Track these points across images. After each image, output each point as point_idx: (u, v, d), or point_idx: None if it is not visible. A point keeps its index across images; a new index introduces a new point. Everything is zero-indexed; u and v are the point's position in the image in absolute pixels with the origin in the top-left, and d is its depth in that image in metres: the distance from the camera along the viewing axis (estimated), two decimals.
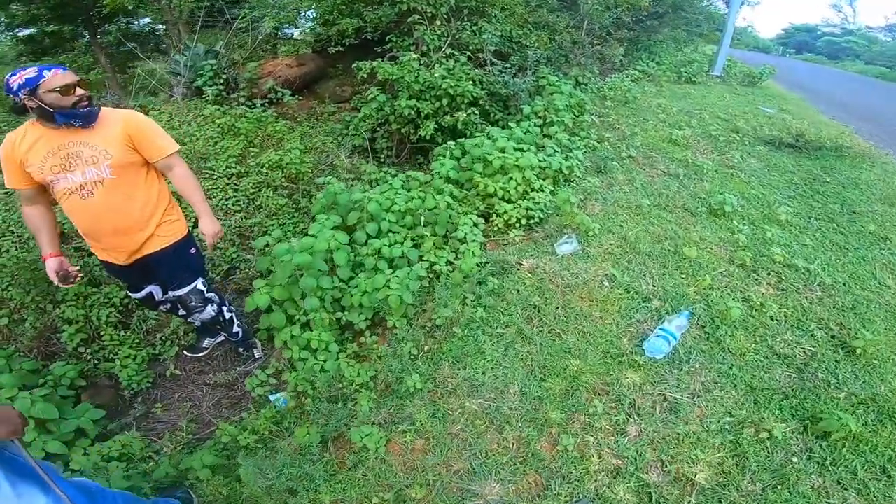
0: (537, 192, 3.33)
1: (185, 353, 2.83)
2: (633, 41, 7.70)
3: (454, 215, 3.03)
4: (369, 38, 5.04)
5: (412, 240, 2.95)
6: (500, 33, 5.21)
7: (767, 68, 9.06)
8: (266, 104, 4.68)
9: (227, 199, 3.59)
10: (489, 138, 3.83)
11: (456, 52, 4.77)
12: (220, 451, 2.10)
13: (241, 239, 3.52)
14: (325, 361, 2.33)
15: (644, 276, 2.74)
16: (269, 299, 2.37)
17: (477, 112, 4.35)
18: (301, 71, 5.22)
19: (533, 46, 5.56)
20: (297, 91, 5.21)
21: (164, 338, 2.85)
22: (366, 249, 2.75)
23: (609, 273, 2.71)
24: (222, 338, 2.82)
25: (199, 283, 2.30)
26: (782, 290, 2.72)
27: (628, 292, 2.61)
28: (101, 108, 1.93)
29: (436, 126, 4.25)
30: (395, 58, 4.69)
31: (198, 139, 3.97)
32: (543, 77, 4.99)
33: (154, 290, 2.37)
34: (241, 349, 2.77)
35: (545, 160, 3.54)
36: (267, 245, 2.61)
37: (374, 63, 4.31)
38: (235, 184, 3.77)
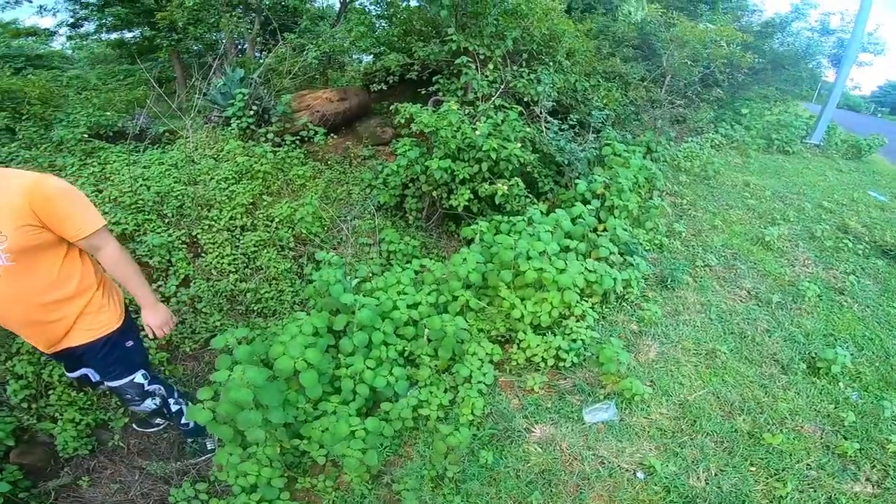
0: (577, 321, 2.71)
1: (133, 426, 2.54)
2: (720, 100, 6.86)
3: (466, 338, 2.49)
4: (415, 77, 4.64)
5: (406, 358, 2.47)
6: (560, 84, 4.64)
7: (876, 138, 7.83)
8: (297, 142, 4.37)
9: (222, 258, 3.22)
10: (530, 223, 3.26)
11: (508, 103, 4.24)
12: None
13: (230, 304, 3.13)
14: (263, 501, 1.99)
15: (697, 467, 2.03)
16: (210, 416, 1.98)
17: (522, 184, 3.77)
18: (342, 106, 4.90)
19: (600, 102, 4.93)
20: (336, 128, 4.88)
21: (118, 404, 2.54)
22: (344, 371, 2.28)
23: (648, 462, 2.02)
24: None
25: (138, 377, 1.99)
26: (884, 488, 1.95)
27: (668, 493, 1.92)
28: None
29: (472, 194, 3.72)
30: (440, 102, 4.24)
31: (211, 180, 3.67)
32: (609, 143, 4.35)
33: (89, 372, 2.06)
34: (189, 440, 2.42)
35: (595, 274, 2.91)
36: (226, 346, 2.18)
37: (412, 108, 3.87)
38: (237, 238, 3.41)
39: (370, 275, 3.18)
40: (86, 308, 1.77)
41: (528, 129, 4.06)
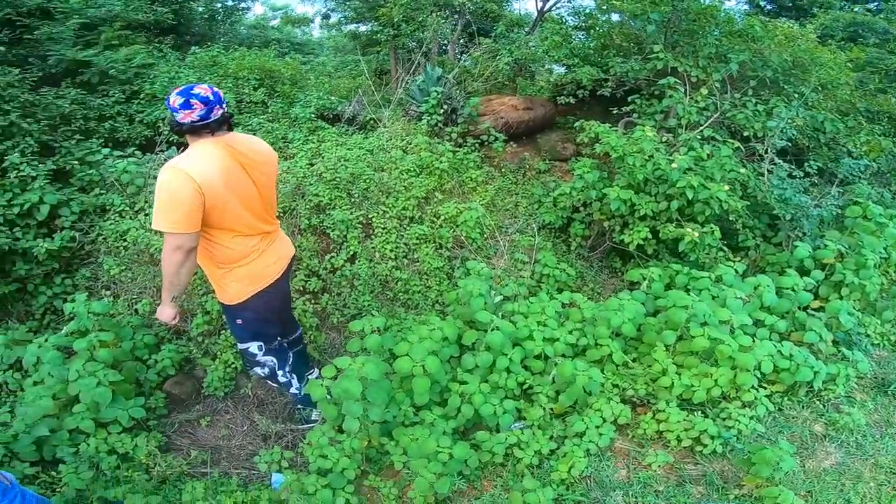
0: (742, 406, 2.27)
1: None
2: None
3: (595, 391, 2.25)
4: (608, 94, 4.35)
5: (523, 390, 2.41)
6: (801, 121, 3.79)
7: None
8: (476, 145, 4.53)
9: (387, 243, 3.53)
10: (718, 282, 2.77)
11: (720, 136, 3.66)
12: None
13: (381, 288, 3.42)
14: (327, 487, 2.11)
15: None
16: (324, 393, 2.18)
17: (718, 233, 3.22)
18: (526, 115, 4.89)
19: (857, 149, 3.90)
20: (517, 137, 4.90)
21: None
22: (456, 386, 2.31)
23: None
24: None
25: (253, 347, 2.35)
26: None
27: None
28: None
29: (650, 233, 3.32)
30: (633, 124, 3.90)
31: (395, 169, 4.06)
32: (858, 202, 3.43)
33: None
34: (298, 406, 2.71)
35: (790, 361, 2.36)
36: (361, 331, 2.37)
37: (599, 127, 3.63)
38: (404, 228, 3.69)
39: (515, 295, 3.11)
40: (217, 277, 2.16)
41: (741, 170, 3.44)
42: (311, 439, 2.28)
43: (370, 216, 3.62)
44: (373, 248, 3.51)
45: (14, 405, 2.50)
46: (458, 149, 4.35)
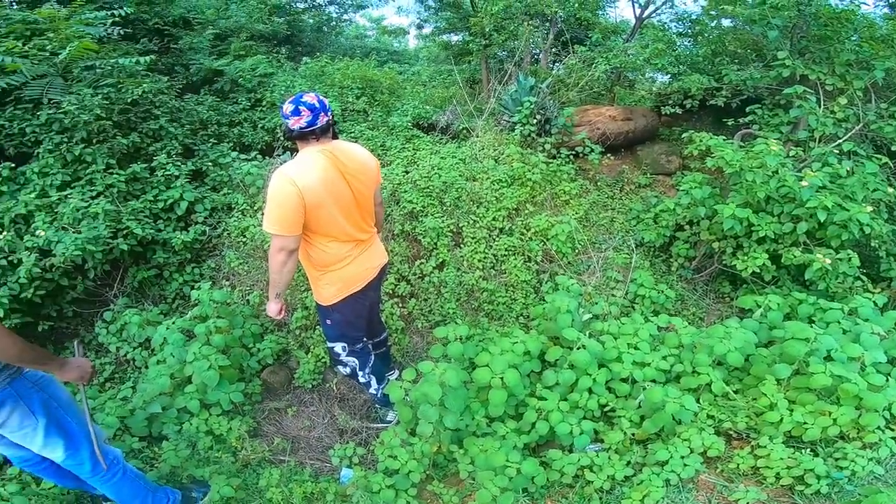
0: (862, 447, 2.02)
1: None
2: None
3: (686, 420, 2.11)
4: (721, 104, 4.04)
5: (604, 411, 2.36)
6: None
7: None
8: (570, 156, 4.46)
9: (475, 253, 3.59)
10: (851, 314, 2.48)
11: (863, 150, 3.25)
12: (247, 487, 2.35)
13: (467, 297, 3.48)
14: (391, 488, 2.20)
15: None
16: (402, 394, 2.27)
17: (857, 261, 2.84)
18: (626, 126, 4.70)
19: None
20: (615, 149, 4.74)
21: None
22: (534, 402, 2.30)
23: None
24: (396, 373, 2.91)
25: (338, 347, 2.49)
26: None
27: None
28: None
29: (769, 258, 3.02)
30: (752, 136, 3.59)
31: (486, 179, 4.12)
32: None
33: None
34: (377, 405, 2.85)
35: None
36: (445, 338, 2.43)
37: (712, 139, 3.39)
38: (493, 239, 3.73)
39: (606, 314, 3.01)
40: (313, 278, 2.32)
41: (888, 190, 3.02)
42: (384, 438, 2.38)
43: (461, 225, 3.70)
44: (461, 256, 3.59)
45: (136, 382, 2.87)
46: (551, 160, 4.30)
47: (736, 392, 2.45)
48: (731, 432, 2.35)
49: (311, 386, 3.05)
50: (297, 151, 2.16)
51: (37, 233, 2.74)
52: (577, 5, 5.70)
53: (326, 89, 5.21)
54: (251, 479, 2.44)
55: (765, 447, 2.15)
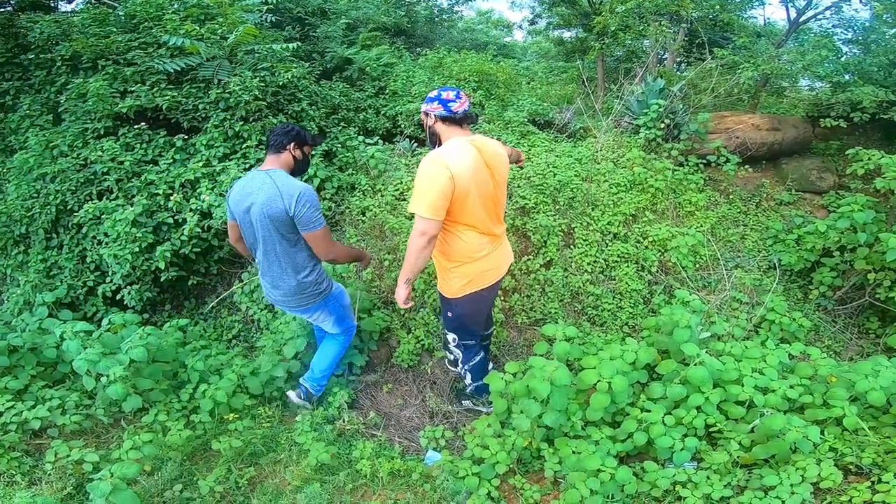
0: None
1: (445, 361, 3.32)
2: None
3: (806, 450, 2.10)
4: None
5: (709, 432, 2.39)
6: None
7: None
8: (700, 165, 4.37)
9: (586, 256, 3.71)
10: None
11: None
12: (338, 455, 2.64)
13: (570, 299, 3.62)
14: (476, 476, 2.36)
15: None
16: (502, 385, 2.45)
17: None
18: (771, 137, 4.47)
19: None
20: (754, 160, 4.53)
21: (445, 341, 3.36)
22: (636, 412, 2.39)
23: None
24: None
25: (450, 336, 2.73)
26: None
27: None
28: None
29: None
30: None
31: (604, 182, 4.21)
32: None
33: None
34: (471, 393, 3.03)
35: None
36: (550, 336, 2.59)
37: (885, 158, 3.18)
38: (606, 244, 3.82)
39: (727, 335, 2.98)
40: (444, 269, 2.50)
41: None
42: (477, 426, 2.56)
43: (573, 226, 3.84)
44: (570, 257, 3.73)
45: (254, 342, 3.31)
46: (678, 167, 4.26)
47: (871, 428, 2.37)
48: (851, 466, 2.28)
49: (407, 366, 3.35)
50: (429, 142, 2.42)
51: (202, 197, 3.38)
52: (717, 6, 5.51)
53: (444, 81, 5.59)
54: (343, 449, 2.69)
55: (887, 482, 2.06)
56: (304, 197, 2.30)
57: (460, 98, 2.26)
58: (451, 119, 2.26)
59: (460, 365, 2.87)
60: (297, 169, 2.55)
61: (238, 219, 2.49)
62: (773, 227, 3.78)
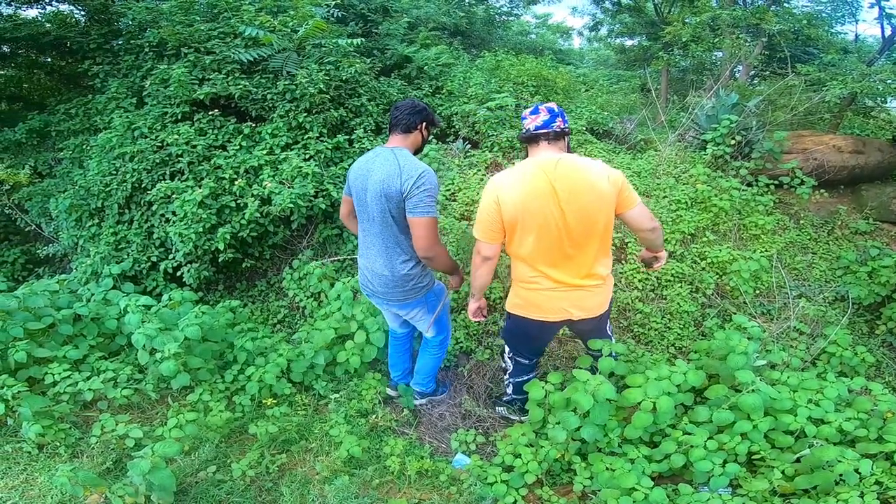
0: None
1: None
2: None
3: (852, 482, 2.12)
4: None
5: (751, 459, 2.39)
6: None
7: None
8: (771, 186, 4.30)
9: (636, 272, 3.74)
10: None
11: None
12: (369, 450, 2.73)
13: (617, 315, 3.65)
14: (504, 483, 2.41)
15: None
16: (541, 395, 2.51)
17: None
18: (853, 160, 4.33)
19: None
20: (832, 184, 4.41)
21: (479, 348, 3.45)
22: (677, 434, 2.41)
23: None
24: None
25: (506, 348, 2.79)
26: None
27: None
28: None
29: None
30: None
31: (664, 197, 4.21)
32: None
33: None
34: (507, 401, 3.08)
35: None
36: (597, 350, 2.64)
37: None
38: None
39: (783, 364, 2.95)
40: (512, 281, 2.48)
41: None
42: (511, 434, 2.62)
43: (626, 241, 3.88)
44: (621, 272, 3.76)
45: (296, 328, 3.45)
46: (746, 187, 4.21)
47: None
48: (893, 501, 2.23)
49: (444, 366, 3.45)
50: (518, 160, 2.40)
51: (264, 184, 3.65)
52: (804, 21, 5.38)
53: (502, 83, 5.72)
54: (374, 444, 2.77)
55: None
56: (423, 178, 2.21)
57: (537, 112, 2.19)
58: (526, 137, 2.22)
59: (506, 376, 2.94)
60: (418, 149, 2.49)
61: (354, 194, 2.45)
62: (846, 258, 3.68)
